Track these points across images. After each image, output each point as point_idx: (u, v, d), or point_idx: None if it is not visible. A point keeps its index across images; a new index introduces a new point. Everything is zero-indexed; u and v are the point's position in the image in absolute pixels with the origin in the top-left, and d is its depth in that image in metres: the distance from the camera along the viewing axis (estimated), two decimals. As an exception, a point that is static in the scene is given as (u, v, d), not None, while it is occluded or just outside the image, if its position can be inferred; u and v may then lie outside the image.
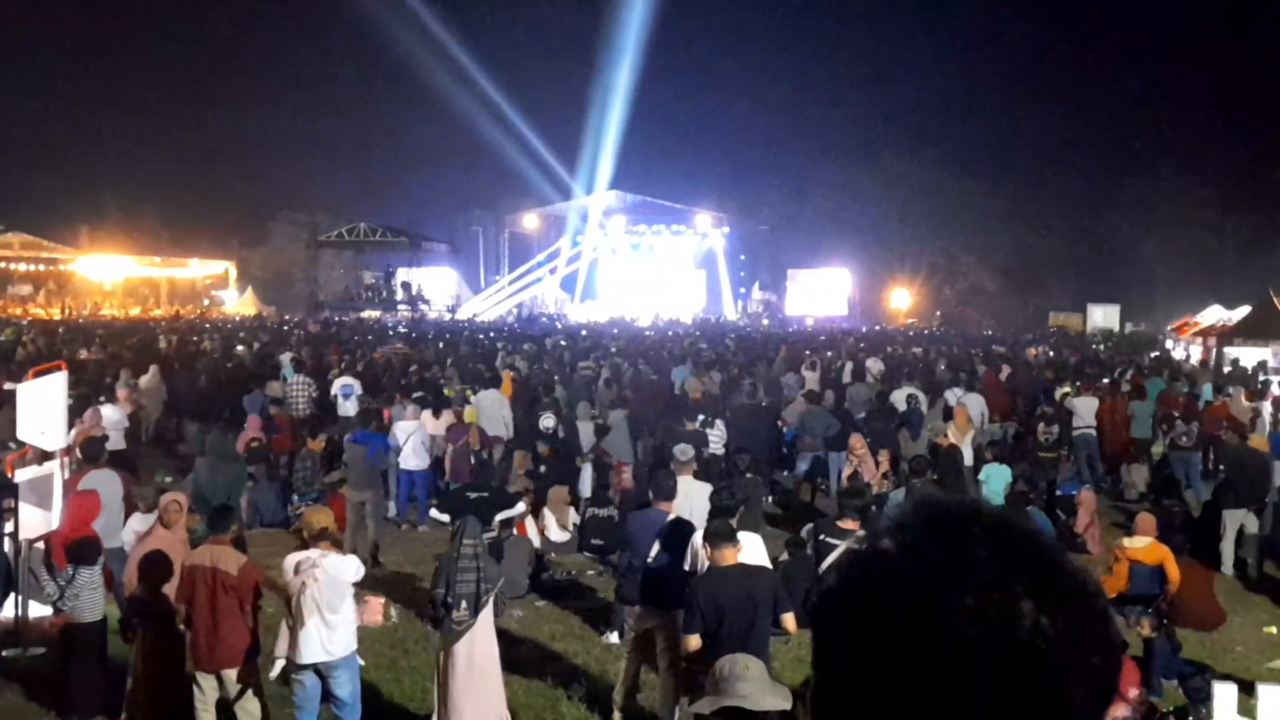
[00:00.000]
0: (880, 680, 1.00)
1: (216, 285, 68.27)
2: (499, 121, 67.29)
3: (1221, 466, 14.78)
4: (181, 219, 69.90)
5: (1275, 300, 30.45)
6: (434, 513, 12.27)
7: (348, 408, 19.13)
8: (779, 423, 19.01)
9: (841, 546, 8.71)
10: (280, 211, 72.85)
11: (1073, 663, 0.99)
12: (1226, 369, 26.18)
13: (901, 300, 64.92)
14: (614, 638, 10.39)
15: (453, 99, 70.46)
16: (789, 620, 7.52)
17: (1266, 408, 20.02)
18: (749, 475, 13.95)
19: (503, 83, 69.17)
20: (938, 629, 0.98)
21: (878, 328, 53.39)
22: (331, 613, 7.65)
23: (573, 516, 14.53)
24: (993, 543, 1.03)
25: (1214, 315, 35.68)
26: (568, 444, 15.90)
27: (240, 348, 29.80)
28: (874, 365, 25.49)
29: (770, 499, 16.62)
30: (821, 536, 8.96)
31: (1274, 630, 11.30)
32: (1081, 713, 1.00)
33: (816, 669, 1.09)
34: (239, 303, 62.74)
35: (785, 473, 18.35)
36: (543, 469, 14.92)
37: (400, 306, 54.78)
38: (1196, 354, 33.62)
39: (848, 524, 9.03)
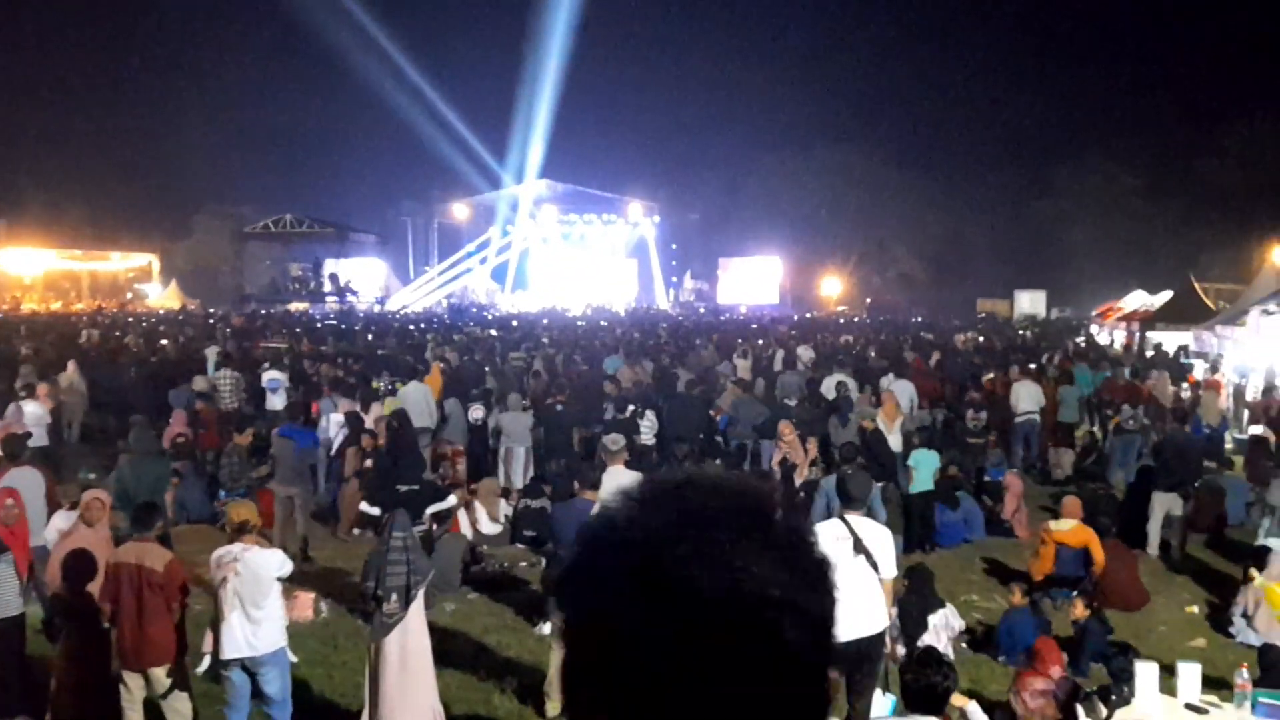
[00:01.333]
0: (616, 638, 1.05)
1: (139, 278, 66.98)
2: (427, 111, 66.82)
3: (1156, 450, 15.06)
4: (103, 211, 68.50)
5: (1196, 286, 31.11)
6: (364, 506, 12.17)
7: (275, 401, 18.93)
8: (712, 411, 19.09)
9: None
10: (204, 204, 71.78)
11: (785, 601, 1.05)
12: (1149, 353, 26.69)
13: (832, 288, 65.32)
14: (547, 629, 10.37)
15: (380, 88, 69.91)
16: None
17: (1182, 390, 20.52)
18: (685, 464, 13.97)
19: (430, 71, 68.73)
20: (661, 579, 1.04)
21: (809, 315, 53.73)
22: (255, 608, 7.57)
23: (504, 508, 14.48)
24: (710, 499, 1.11)
25: (1137, 300, 36.34)
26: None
27: (165, 341, 29.30)
28: (805, 353, 25.65)
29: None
30: None
31: (1195, 610, 11.55)
32: (796, 647, 1.06)
33: (563, 640, 1.13)
34: (163, 296, 61.67)
35: (718, 461, 18.41)
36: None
37: (328, 298, 54.25)
38: (1120, 339, 34.25)
39: None
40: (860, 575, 7.44)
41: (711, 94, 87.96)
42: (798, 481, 13.63)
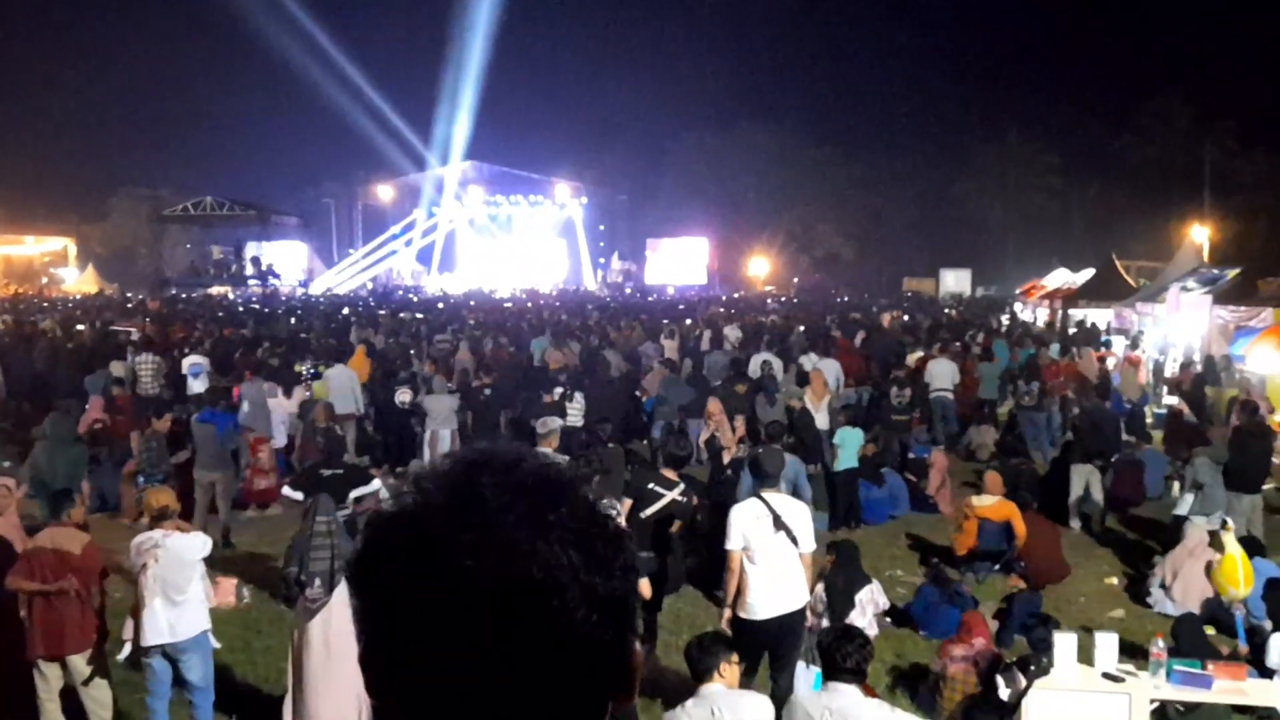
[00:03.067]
0: (404, 628, 1.05)
1: (55, 263, 65.61)
2: (349, 90, 65.90)
3: (1074, 424, 15.31)
4: (16, 194, 66.94)
5: (1117, 263, 31.65)
6: (287, 491, 11.99)
7: (197, 386, 18.61)
8: (638, 392, 19.06)
9: (667, 496, 8.89)
10: (121, 185, 70.50)
11: (572, 583, 1.05)
12: (1072, 330, 27.09)
13: (760, 268, 65.59)
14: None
15: (301, 67, 68.84)
16: (643, 585, 7.57)
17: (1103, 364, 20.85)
18: (609, 445, 13.94)
19: (353, 50, 67.78)
20: (441, 569, 1.04)
21: (736, 296, 53.91)
22: (178, 593, 7.43)
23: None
24: (500, 481, 1.10)
25: (1059, 278, 36.87)
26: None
27: (81, 327, 28.73)
28: (732, 333, 25.74)
29: (631, 468, 16.64)
30: (650, 485, 9.04)
31: (1114, 581, 11.76)
32: (586, 628, 1.06)
33: (356, 624, 1.13)
34: (79, 280, 60.50)
35: (644, 441, 18.43)
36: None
37: (250, 282, 53.52)
38: (1043, 316, 34.78)
39: (669, 473, 9.19)
40: (781, 552, 7.48)
41: (636, 75, 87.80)
42: (725, 459, 13.65)
